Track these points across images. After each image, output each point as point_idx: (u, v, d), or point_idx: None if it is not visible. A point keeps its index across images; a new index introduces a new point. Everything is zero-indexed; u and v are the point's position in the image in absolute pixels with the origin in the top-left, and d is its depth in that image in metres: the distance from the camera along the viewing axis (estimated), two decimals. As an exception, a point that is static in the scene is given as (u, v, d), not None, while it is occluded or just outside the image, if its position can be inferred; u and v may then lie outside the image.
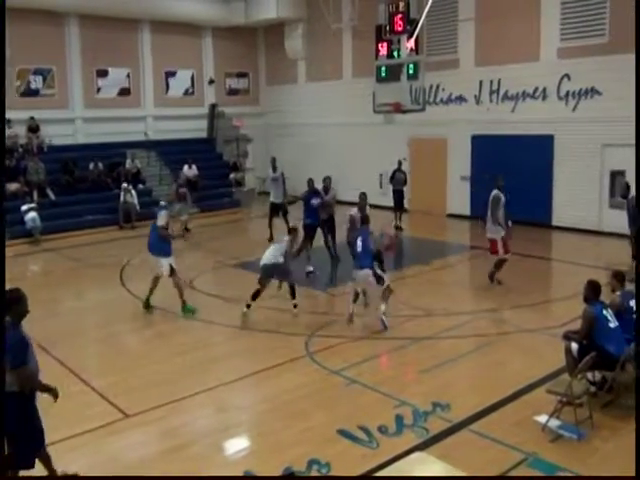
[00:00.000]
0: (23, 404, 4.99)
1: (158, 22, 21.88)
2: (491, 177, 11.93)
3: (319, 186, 13.58)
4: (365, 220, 10.14)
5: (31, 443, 5.09)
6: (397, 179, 17.36)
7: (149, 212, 13.44)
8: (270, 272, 9.99)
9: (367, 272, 9.27)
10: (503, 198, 11.25)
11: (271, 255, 9.98)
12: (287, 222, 15.45)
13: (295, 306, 10.08)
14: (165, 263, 10.14)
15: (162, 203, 11.03)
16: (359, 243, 9.39)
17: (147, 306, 10.40)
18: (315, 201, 13.09)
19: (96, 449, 6.18)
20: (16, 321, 4.95)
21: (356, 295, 9.65)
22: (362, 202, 12.06)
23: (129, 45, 21.75)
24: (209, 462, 5.95)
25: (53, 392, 5.17)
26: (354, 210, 11.96)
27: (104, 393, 7.33)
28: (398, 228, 16.64)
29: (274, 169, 16.10)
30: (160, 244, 10.19)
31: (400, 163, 17.48)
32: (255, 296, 9.93)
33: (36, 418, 5.11)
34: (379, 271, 9.32)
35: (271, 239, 15.37)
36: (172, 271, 10.18)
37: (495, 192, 11.30)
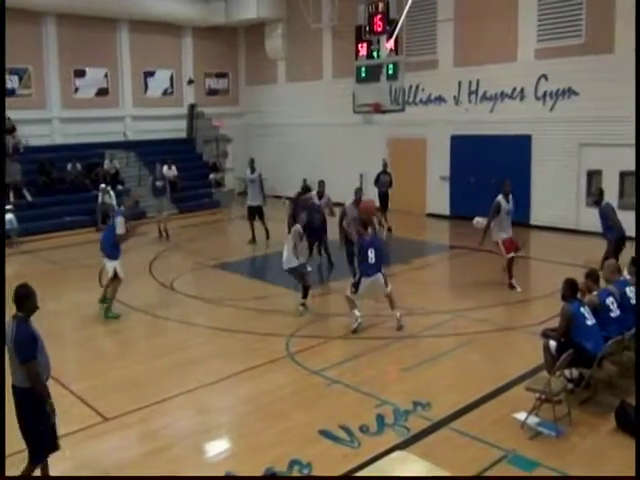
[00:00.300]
0: (37, 400, 5.03)
1: (137, 21, 21.71)
2: (497, 182, 11.85)
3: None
4: (369, 224, 9.70)
5: (42, 440, 5.12)
6: (382, 181, 16.91)
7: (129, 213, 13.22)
8: (292, 274, 10.30)
9: (379, 276, 9.30)
10: (505, 205, 11.13)
11: (286, 259, 10.15)
12: (265, 225, 15.38)
13: (303, 305, 10.21)
14: (111, 266, 10.19)
15: (120, 208, 11.04)
16: (371, 255, 9.19)
17: (103, 300, 10.37)
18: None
19: (74, 453, 6.09)
20: (26, 316, 5.07)
21: (352, 300, 9.34)
22: (358, 196, 11.95)
23: (107, 45, 21.55)
24: (190, 464, 5.91)
25: (49, 404, 5.07)
26: (349, 202, 11.92)
27: (82, 396, 7.25)
28: (389, 230, 16.38)
29: (252, 170, 15.78)
30: (110, 247, 10.23)
31: (385, 165, 17.09)
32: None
33: (49, 416, 5.09)
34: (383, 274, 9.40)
35: (253, 241, 15.35)
36: (115, 275, 10.21)
37: (499, 198, 11.19)
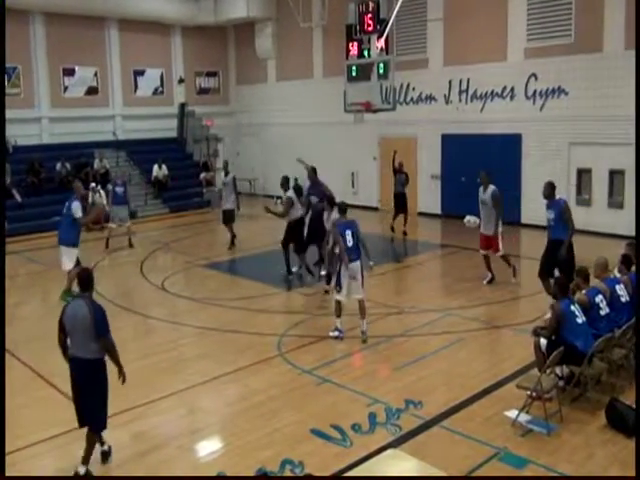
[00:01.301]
0: (105, 371, 5.64)
1: (126, 20, 21.61)
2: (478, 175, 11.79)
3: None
4: (338, 206, 9.30)
5: (105, 408, 5.69)
6: (398, 181, 16.05)
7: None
8: None
9: (358, 264, 8.76)
10: (480, 195, 11.27)
11: None
12: (232, 231, 15.05)
13: (326, 292, 10.61)
14: (72, 254, 10.28)
15: (74, 196, 11.11)
16: (348, 237, 8.70)
17: (67, 294, 10.44)
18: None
19: (64, 454, 6.06)
20: (90, 296, 5.67)
21: (340, 308, 8.93)
22: (311, 174, 11.87)
23: (96, 43, 21.43)
24: (181, 464, 5.89)
25: (122, 372, 5.70)
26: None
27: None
28: (404, 234, 15.90)
29: (226, 173, 15.15)
30: (70, 234, 10.25)
31: (401, 164, 16.17)
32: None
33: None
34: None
35: (232, 245, 15.05)
36: (78, 263, 10.28)
37: (494, 188, 11.14)
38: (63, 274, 10.77)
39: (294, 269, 12.35)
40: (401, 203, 15.95)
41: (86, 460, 5.63)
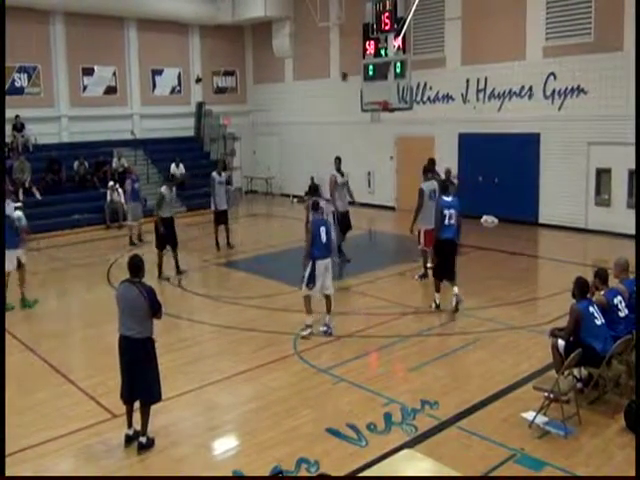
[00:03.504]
0: (154, 347, 6.13)
1: (144, 20, 21.75)
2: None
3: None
4: (315, 206, 9.38)
5: (159, 381, 6.16)
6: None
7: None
8: None
9: (329, 262, 9.02)
10: (429, 191, 11.38)
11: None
12: (228, 231, 14.70)
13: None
14: (14, 256, 10.31)
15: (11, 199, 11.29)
16: (323, 234, 8.88)
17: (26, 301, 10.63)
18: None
19: (82, 449, 6.13)
20: (141, 280, 6.09)
21: (310, 305, 9.07)
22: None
23: (115, 43, 21.60)
24: (196, 462, 5.92)
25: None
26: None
27: (91, 393, 7.29)
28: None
29: (219, 172, 14.67)
30: (12, 237, 10.25)
31: (448, 172, 13.80)
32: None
33: None
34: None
35: (218, 249, 14.64)
36: (20, 265, 10.40)
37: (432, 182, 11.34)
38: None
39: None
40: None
41: (144, 431, 6.06)
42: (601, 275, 7.27)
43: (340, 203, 13.03)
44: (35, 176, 18.33)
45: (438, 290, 10.02)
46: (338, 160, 13.54)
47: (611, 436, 6.13)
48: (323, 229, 8.95)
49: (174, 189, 12.99)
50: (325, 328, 9.07)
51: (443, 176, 11.87)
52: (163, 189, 12.48)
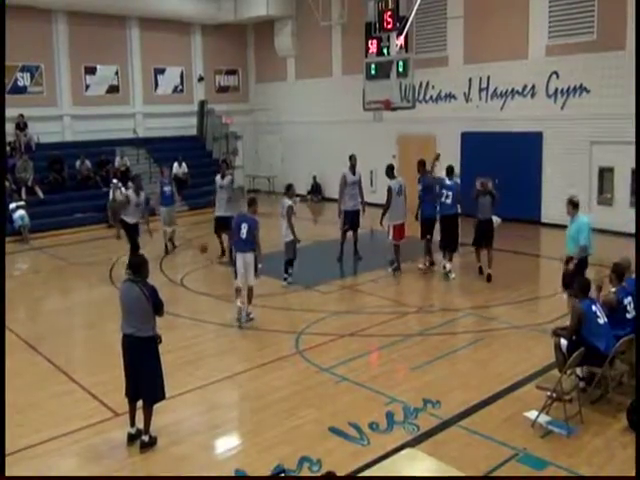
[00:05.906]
0: (157, 346, 6.12)
1: (147, 19, 21.77)
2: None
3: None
4: (252, 203, 9.81)
5: (162, 379, 6.19)
6: (482, 205, 11.47)
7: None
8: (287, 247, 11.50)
9: (248, 256, 9.45)
10: (395, 186, 12.11)
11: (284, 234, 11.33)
12: (221, 242, 13.89)
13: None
14: None
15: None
16: (244, 230, 9.39)
17: None
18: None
19: (85, 448, 6.14)
20: (143, 279, 6.10)
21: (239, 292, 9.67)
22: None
23: (118, 42, 21.61)
24: (199, 461, 5.93)
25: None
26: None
27: (93, 391, 7.30)
28: (488, 279, 11.52)
29: (222, 175, 13.77)
30: None
31: (484, 184, 11.54)
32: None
33: None
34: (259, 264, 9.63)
35: (223, 254, 13.78)
36: None
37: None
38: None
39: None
40: (487, 233, 11.57)
41: (147, 430, 6.07)
42: (617, 270, 7.02)
43: (351, 202, 13.03)
44: (38, 175, 18.36)
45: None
46: (352, 158, 13.55)
47: (614, 435, 6.12)
48: (245, 226, 9.43)
49: (142, 194, 12.38)
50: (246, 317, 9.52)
51: (444, 173, 12.07)
52: (129, 192, 12.00)
